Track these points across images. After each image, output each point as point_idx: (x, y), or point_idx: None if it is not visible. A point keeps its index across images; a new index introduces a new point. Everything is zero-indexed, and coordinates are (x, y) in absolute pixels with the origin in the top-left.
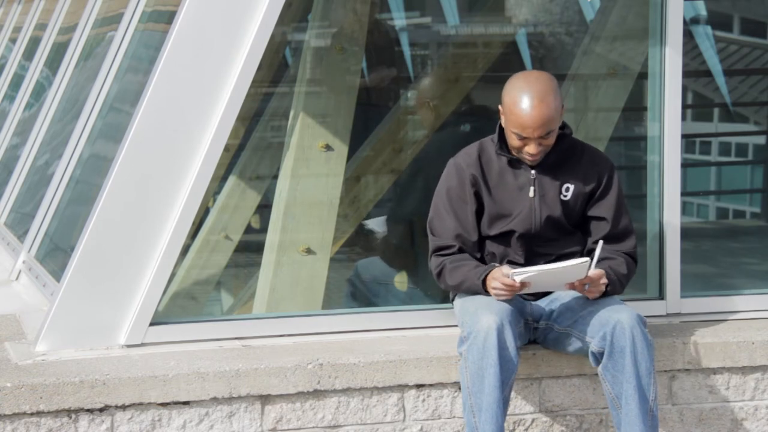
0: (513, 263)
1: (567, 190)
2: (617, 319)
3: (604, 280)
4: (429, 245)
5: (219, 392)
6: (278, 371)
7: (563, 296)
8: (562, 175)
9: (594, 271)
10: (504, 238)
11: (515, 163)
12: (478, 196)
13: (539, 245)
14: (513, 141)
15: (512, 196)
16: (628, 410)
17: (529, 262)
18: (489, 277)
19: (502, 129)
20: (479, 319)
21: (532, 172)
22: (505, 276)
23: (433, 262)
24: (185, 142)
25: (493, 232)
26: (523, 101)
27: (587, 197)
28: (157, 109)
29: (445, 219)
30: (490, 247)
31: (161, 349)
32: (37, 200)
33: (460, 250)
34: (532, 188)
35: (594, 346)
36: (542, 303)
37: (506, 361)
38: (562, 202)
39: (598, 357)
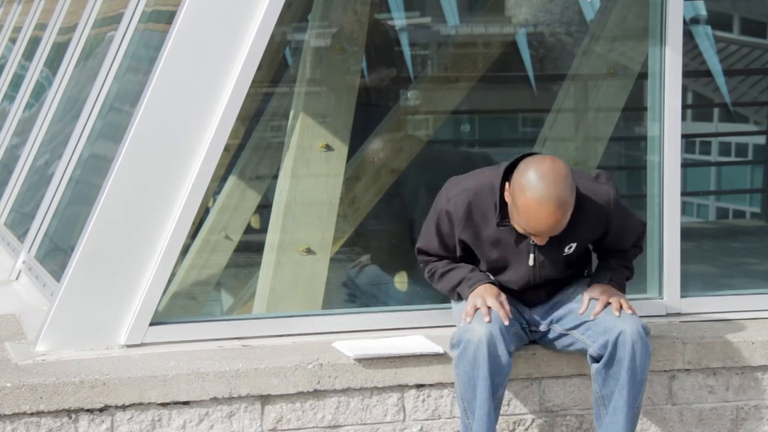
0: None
1: (570, 248)
2: (621, 329)
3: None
4: (418, 259)
5: (219, 392)
6: (278, 371)
7: (565, 300)
8: (566, 236)
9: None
10: (499, 280)
11: (514, 230)
12: (469, 250)
13: (535, 286)
14: (519, 229)
15: (508, 260)
16: (615, 419)
17: (523, 294)
18: (480, 289)
19: (503, 201)
20: (471, 327)
21: (531, 238)
22: (496, 298)
23: (426, 271)
24: (185, 142)
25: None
26: (539, 206)
27: (592, 243)
28: (157, 109)
29: (436, 251)
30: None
31: (161, 349)
32: (37, 200)
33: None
34: (531, 256)
35: (594, 350)
36: (542, 309)
37: (498, 370)
38: (564, 258)
39: (596, 359)
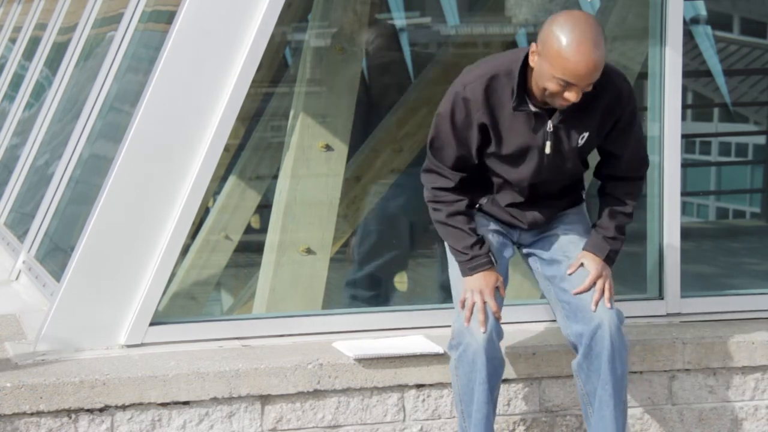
0: (511, 206)
1: (583, 138)
2: (599, 321)
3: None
4: (426, 164)
5: (219, 392)
6: (278, 371)
7: (556, 237)
8: (580, 123)
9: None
10: (507, 177)
11: (531, 116)
12: (484, 137)
13: (542, 186)
14: (551, 86)
15: (523, 149)
16: (602, 415)
17: (528, 200)
18: (480, 279)
19: (523, 76)
20: (470, 330)
21: (549, 124)
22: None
23: (430, 196)
24: (185, 142)
25: (497, 170)
26: (578, 46)
27: (603, 137)
28: (157, 109)
29: (446, 145)
30: (491, 175)
31: (161, 349)
32: (37, 200)
33: (459, 186)
34: (548, 144)
35: (571, 337)
36: (533, 236)
37: (494, 372)
38: (577, 152)
39: (574, 349)
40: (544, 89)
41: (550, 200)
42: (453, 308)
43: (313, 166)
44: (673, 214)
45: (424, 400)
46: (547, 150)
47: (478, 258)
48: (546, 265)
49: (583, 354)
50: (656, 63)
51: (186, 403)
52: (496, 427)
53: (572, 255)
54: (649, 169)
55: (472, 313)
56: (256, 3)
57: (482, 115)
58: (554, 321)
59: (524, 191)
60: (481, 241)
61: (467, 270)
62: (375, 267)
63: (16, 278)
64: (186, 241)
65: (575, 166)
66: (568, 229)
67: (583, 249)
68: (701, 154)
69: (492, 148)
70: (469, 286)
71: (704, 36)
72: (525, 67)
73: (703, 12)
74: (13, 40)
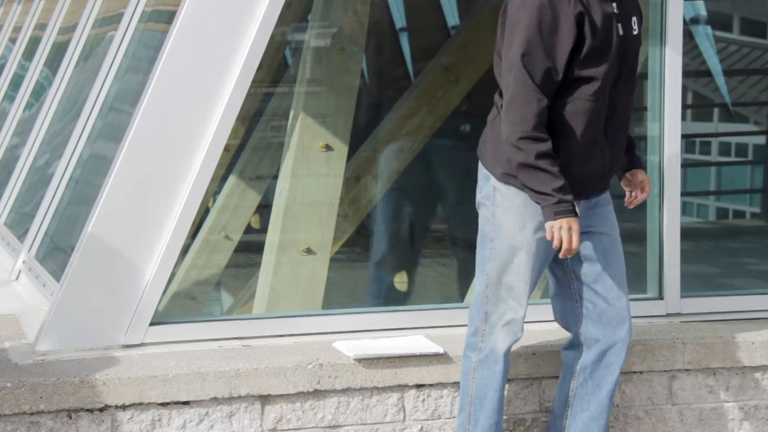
0: (588, 148)
1: (635, 23)
2: (621, 336)
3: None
4: (510, 95)
5: (219, 392)
6: (278, 371)
7: (598, 237)
8: (631, 5)
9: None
10: (587, 86)
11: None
12: (579, 31)
13: (617, 97)
14: None
15: (607, 36)
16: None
17: (609, 116)
18: (562, 222)
19: None
20: (498, 337)
21: (613, 5)
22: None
23: (517, 133)
24: (185, 142)
25: (584, 72)
26: None
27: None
28: (157, 109)
29: (537, 58)
30: (568, 98)
31: (161, 349)
32: (37, 200)
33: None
34: (619, 25)
35: (582, 336)
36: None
37: (506, 378)
38: (637, 38)
39: (574, 345)
40: None
41: (621, 136)
42: (453, 308)
43: (313, 166)
44: (673, 214)
45: (424, 400)
46: (620, 31)
47: (565, 203)
48: (578, 261)
49: (594, 359)
50: (656, 63)
51: (186, 403)
52: None
53: (611, 261)
54: (649, 169)
55: (568, 245)
56: (256, 3)
57: (574, 6)
58: (554, 321)
59: (603, 111)
60: (567, 186)
61: (552, 214)
62: None
63: (16, 278)
64: (186, 241)
65: (636, 68)
66: (611, 230)
67: (636, 168)
68: (701, 154)
69: (588, 40)
70: (559, 224)
71: (704, 36)
72: None
73: (703, 12)
74: (13, 40)
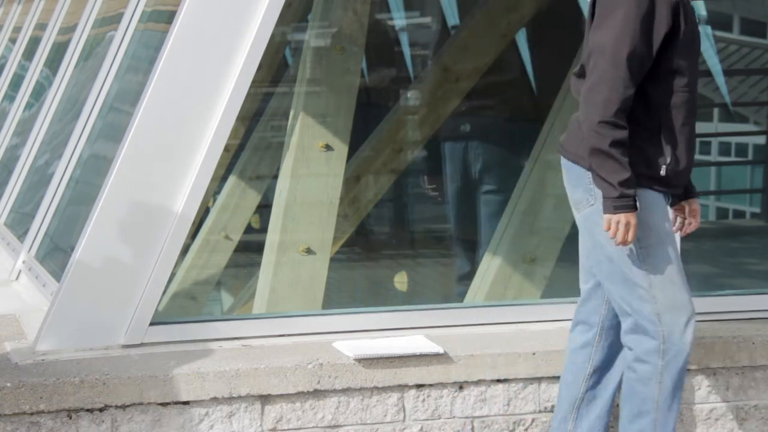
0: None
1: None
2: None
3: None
4: (597, 76)
5: (219, 392)
6: (278, 371)
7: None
8: None
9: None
10: (681, 77)
11: None
12: (675, 18)
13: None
14: None
15: (694, 24)
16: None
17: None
18: (620, 217)
19: None
20: (686, 335)
21: None
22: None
23: (599, 116)
24: (185, 142)
25: (679, 62)
26: None
27: None
28: (157, 109)
29: (630, 39)
30: (667, 89)
31: (161, 349)
32: (37, 200)
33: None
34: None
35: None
36: None
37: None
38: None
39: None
40: None
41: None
42: (453, 308)
43: (313, 166)
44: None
45: (424, 400)
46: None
47: (627, 198)
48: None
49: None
50: None
51: (186, 403)
52: (495, 427)
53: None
54: None
55: (623, 239)
56: (256, 3)
57: None
58: (554, 321)
59: (696, 102)
60: (633, 179)
61: (611, 207)
62: None
63: (16, 278)
64: (186, 241)
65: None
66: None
67: (693, 197)
68: (701, 154)
69: (682, 28)
70: (615, 220)
71: (704, 36)
72: None
73: (703, 12)
74: (13, 40)
